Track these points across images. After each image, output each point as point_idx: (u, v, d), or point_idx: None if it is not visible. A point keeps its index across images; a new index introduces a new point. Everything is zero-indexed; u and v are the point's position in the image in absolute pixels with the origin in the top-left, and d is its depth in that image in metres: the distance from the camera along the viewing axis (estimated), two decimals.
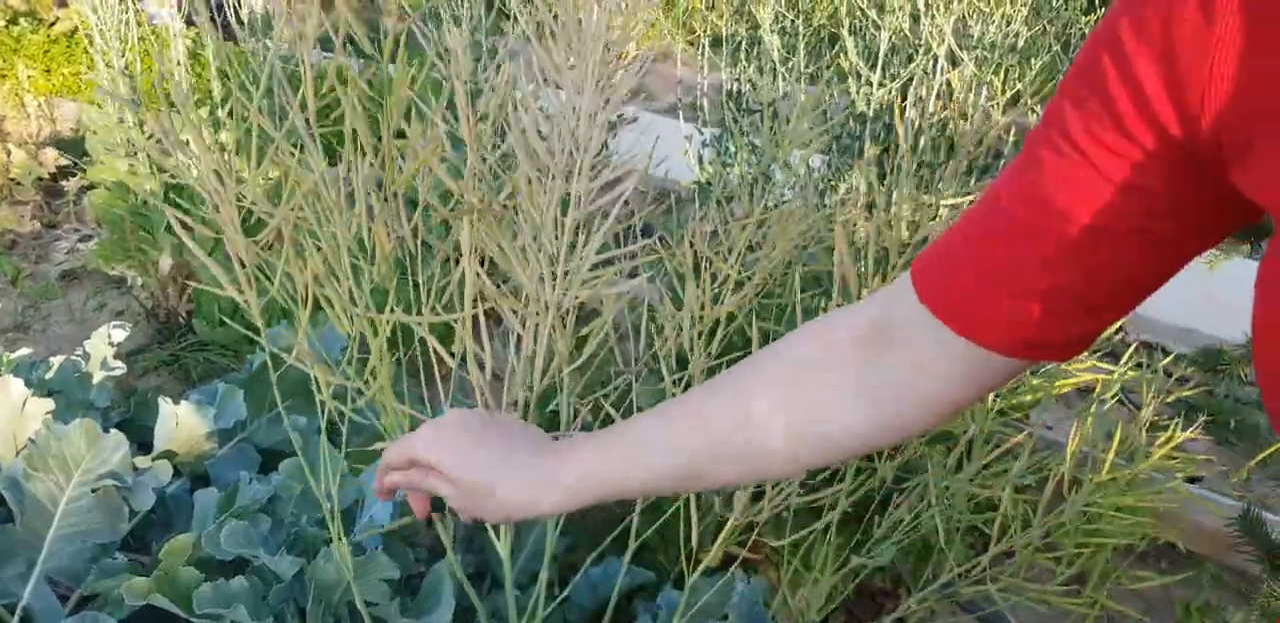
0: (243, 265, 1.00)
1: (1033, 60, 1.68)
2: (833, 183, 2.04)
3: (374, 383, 1.11)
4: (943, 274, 0.63)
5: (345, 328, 1.08)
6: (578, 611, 1.56)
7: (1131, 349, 1.61)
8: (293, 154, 0.98)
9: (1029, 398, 1.57)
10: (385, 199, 1.03)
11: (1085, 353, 1.73)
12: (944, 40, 1.65)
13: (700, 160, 2.49)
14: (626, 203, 1.03)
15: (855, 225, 1.90)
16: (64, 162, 3.69)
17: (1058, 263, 0.56)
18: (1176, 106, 0.47)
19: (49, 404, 1.49)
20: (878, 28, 1.75)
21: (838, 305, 1.78)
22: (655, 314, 1.44)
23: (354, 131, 0.96)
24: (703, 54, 2.53)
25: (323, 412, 1.10)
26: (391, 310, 1.05)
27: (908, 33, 1.74)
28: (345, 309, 1.06)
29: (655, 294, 1.37)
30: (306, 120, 0.97)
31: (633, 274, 1.14)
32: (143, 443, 1.63)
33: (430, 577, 1.40)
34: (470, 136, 1.02)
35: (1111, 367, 1.67)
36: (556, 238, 1.03)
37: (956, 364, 0.64)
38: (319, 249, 1.02)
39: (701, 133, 2.55)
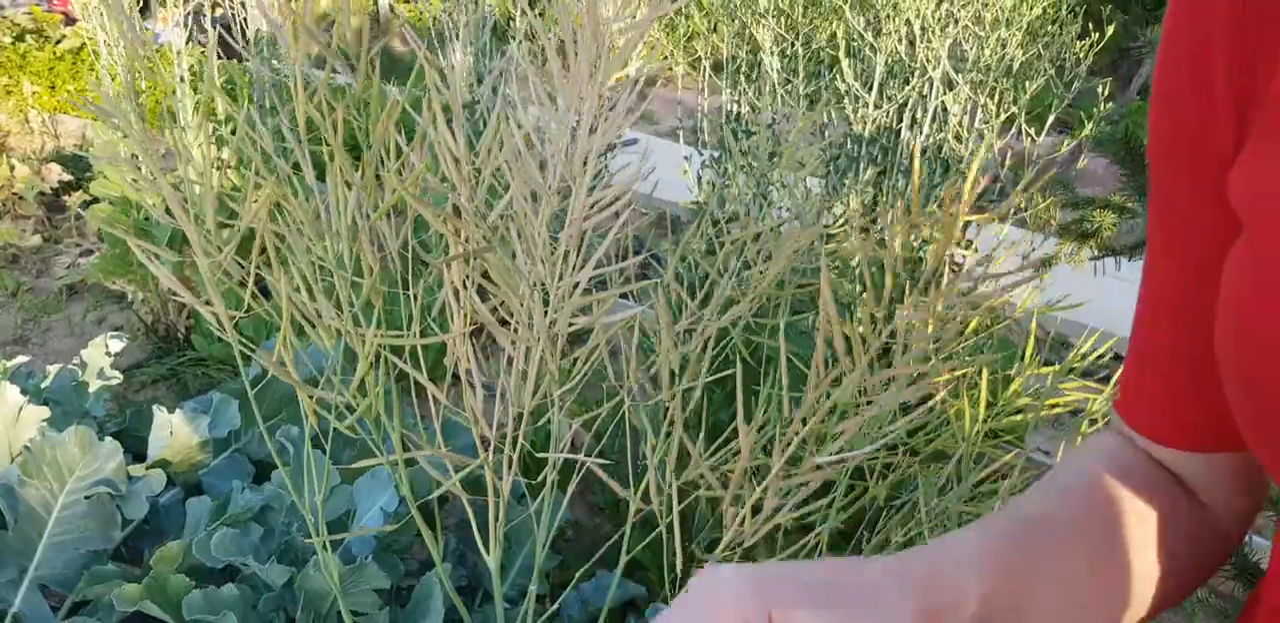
0: (228, 276, 1.01)
1: (1027, 83, 1.70)
2: (829, 205, 2.06)
3: (364, 399, 1.12)
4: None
5: (325, 346, 1.09)
6: (567, 622, 1.57)
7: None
8: (281, 170, 0.99)
9: (1019, 418, 1.57)
10: (368, 217, 1.04)
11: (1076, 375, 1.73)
12: (939, 63, 1.67)
13: (699, 180, 2.51)
14: (621, 221, 1.05)
15: (851, 244, 1.91)
16: (67, 177, 3.71)
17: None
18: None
19: (44, 412, 1.49)
20: (874, 51, 1.77)
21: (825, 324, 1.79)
22: (649, 334, 1.45)
23: (348, 147, 0.98)
24: (704, 76, 2.55)
25: (305, 425, 1.11)
26: (379, 331, 1.06)
27: (904, 56, 1.76)
28: (329, 325, 1.07)
29: (649, 315, 1.38)
30: (298, 137, 0.98)
31: (625, 296, 1.14)
32: (138, 454, 1.64)
33: (420, 588, 1.40)
34: (457, 172, 1.04)
35: (1102, 387, 1.67)
36: (549, 260, 1.04)
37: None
38: (303, 266, 1.04)
39: (701, 154, 2.56)
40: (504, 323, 1.08)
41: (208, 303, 1.08)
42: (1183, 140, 0.51)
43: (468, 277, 1.06)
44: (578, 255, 1.05)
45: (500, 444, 1.17)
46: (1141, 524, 0.57)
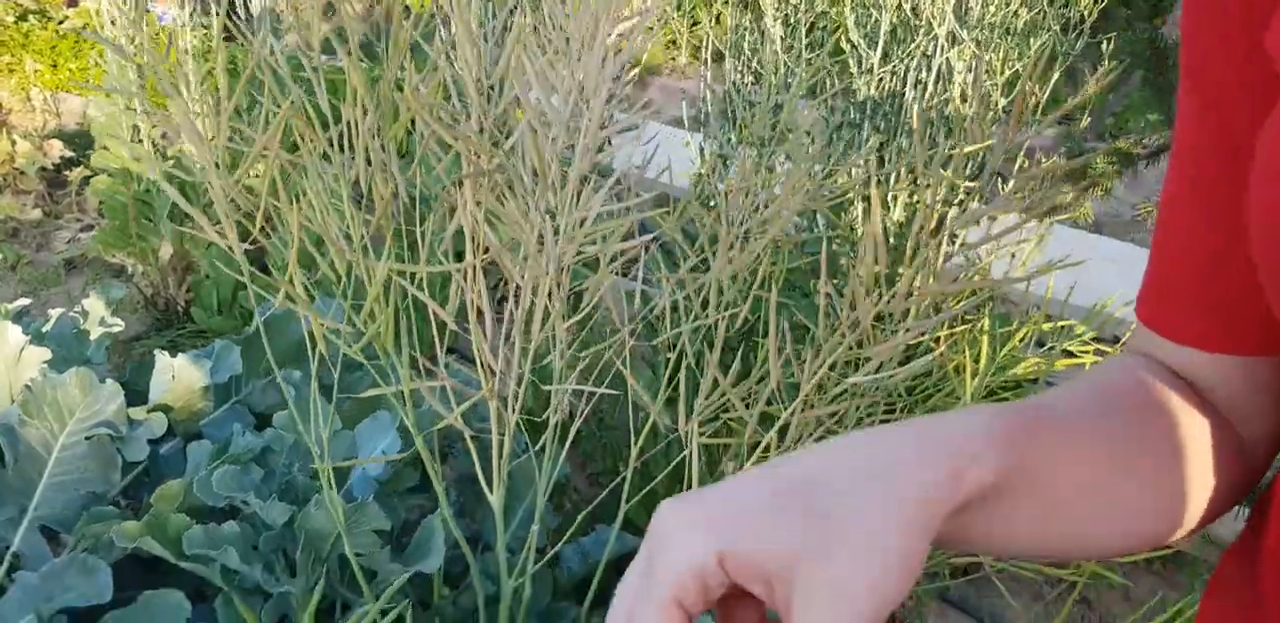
0: (243, 213, 1.01)
1: (1032, 40, 1.70)
2: (831, 171, 2.06)
3: (373, 333, 1.12)
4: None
5: (338, 270, 1.08)
6: (567, 574, 1.56)
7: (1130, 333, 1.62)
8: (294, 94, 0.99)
9: (1021, 371, 1.58)
10: (381, 148, 1.04)
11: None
12: (945, 20, 1.67)
13: (701, 152, 2.51)
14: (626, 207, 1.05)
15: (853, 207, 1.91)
16: (68, 153, 3.70)
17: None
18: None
19: (46, 353, 1.49)
20: (880, 9, 1.77)
21: (833, 287, 1.79)
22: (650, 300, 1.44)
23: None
24: (707, 46, 2.55)
25: (313, 354, 1.10)
26: (390, 264, 1.06)
27: (910, 13, 1.76)
28: (339, 251, 1.07)
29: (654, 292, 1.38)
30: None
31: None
32: (139, 407, 1.64)
33: (421, 531, 1.40)
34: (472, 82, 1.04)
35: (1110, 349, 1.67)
36: (557, 193, 1.04)
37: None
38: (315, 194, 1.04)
39: (704, 127, 2.57)
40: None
41: (218, 230, 1.08)
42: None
43: (478, 202, 1.06)
44: (585, 187, 1.05)
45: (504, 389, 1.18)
46: (1163, 434, 0.54)
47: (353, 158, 1.04)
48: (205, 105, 1.11)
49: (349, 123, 1.03)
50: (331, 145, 1.04)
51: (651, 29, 0.97)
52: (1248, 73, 0.49)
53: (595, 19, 0.95)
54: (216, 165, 1.03)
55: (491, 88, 1.05)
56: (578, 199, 1.03)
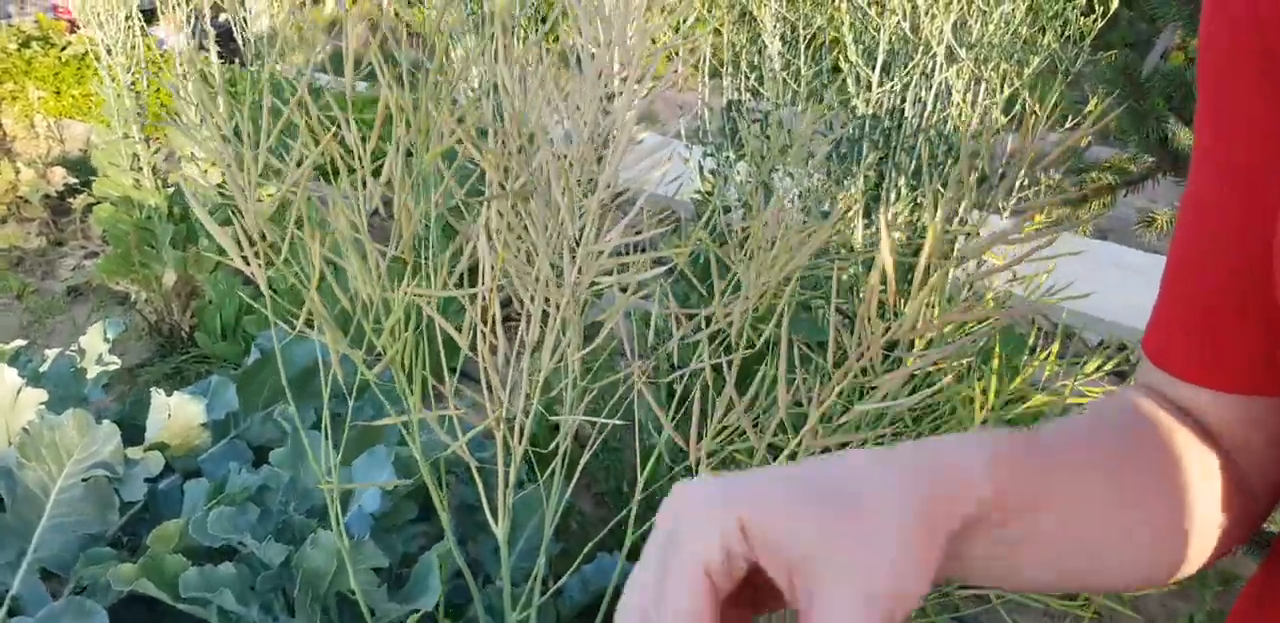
0: (254, 241, 1.00)
1: (1031, 58, 1.68)
2: (830, 191, 2.04)
3: (391, 357, 1.10)
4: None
5: (354, 303, 1.07)
6: (570, 605, 1.55)
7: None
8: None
9: (1028, 406, 1.55)
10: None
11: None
12: (943, 39, 1.65)
13: (701, 170, 2.49)
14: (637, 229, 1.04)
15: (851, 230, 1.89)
16: (71, 180, 3.71)
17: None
18: None
19: (42, 395, 1.48)
20: (878, 29, 1.75)
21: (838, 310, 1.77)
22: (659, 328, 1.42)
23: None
24: (704, 65, 2.54)
25: (327, 383, 1.09)
26: (410, 287, 1.04)
27: (908, 33, 1.75)
28: (362, 280, 1.06)
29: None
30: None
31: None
32: (137, 443, 1.62)
33: (419, 566, 1.38)
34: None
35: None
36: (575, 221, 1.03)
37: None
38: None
39: (705, 144, 2.56)
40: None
41: (242, 257, 1.06)
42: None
43: (503, 215, 1.05)
44: (605, 220, 1.04)
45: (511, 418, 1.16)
46: (1164, 464, 0.53)
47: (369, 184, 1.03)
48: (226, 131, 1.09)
49: (372, 151, 1.02)
50: (338, 174, 1.02)
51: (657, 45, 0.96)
52: (1262, 111, 0.48)
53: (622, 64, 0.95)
54: (262, 195, 1.01)
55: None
56: (595, 231, 1.03)
